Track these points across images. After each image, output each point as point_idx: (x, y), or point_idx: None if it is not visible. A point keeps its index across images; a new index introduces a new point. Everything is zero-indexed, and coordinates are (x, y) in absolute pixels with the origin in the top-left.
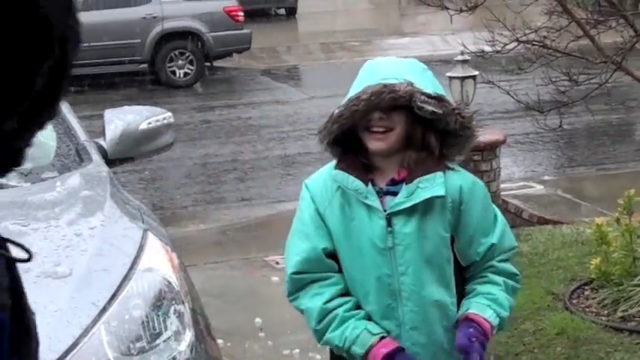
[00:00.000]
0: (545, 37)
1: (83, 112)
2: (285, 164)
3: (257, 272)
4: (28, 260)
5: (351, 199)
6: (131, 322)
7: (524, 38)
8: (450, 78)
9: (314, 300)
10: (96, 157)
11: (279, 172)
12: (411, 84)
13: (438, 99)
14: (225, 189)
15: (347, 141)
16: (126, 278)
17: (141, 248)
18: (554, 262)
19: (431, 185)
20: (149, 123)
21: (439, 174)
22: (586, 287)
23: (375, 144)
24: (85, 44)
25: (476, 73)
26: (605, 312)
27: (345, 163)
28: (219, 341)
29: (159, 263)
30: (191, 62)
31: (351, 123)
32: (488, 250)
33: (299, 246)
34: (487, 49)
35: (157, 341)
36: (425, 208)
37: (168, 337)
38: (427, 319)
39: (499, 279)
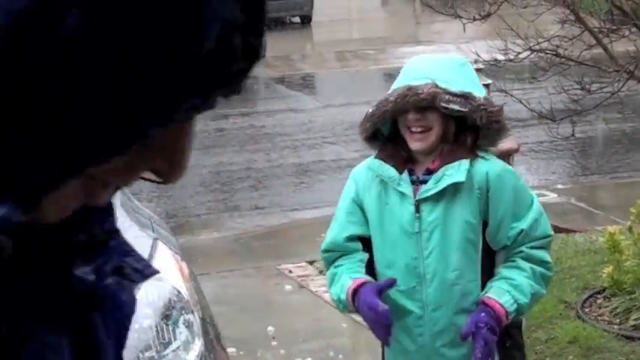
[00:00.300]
0: (558, 46)
1: None
2: (299, 172)
3: (270, 281)
4: None
5: (387, 186)
6: (140, 331)
7: (538, 47)
8: None
9: (331, 268)
10: None
11: (293, 180)
12: (435, 85)
13: (465, 96)
14: (239, 197)
15: (391, 129)
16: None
17: (150, 257)
18: (567, 271)
19: (455, 172)
20: None
21: (464, 161)
22: (598, 296)
23: (415, 144)
24: None
25: (489, 81)
26: (617, 320)
27: (385, 153)
28: (232, 350)
29: (168, 273)
30: None
31: (382, 123)
32: (518, 235)
33: (331, 229)
34: (500, 57)
35: (166, 351)
36: (452, 194)
37: (178, 347)
38: (449, 301)
39: (526, 265)
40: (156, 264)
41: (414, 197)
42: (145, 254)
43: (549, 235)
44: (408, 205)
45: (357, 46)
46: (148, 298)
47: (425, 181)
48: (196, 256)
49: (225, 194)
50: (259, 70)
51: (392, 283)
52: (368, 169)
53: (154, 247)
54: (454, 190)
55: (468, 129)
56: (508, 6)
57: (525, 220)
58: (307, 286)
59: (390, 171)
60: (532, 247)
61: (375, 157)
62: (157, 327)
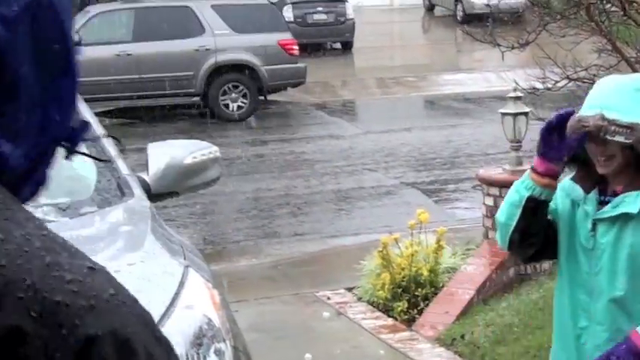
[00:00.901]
0: (595, 75)
1: (134, 144)
2: (339, 199)
3: (308, 308)
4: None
5: (579, 202)
6: None
7: (575, 76)
8: (503, 114)
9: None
10: (137, 191)
11: (333, 207)
12: (602, 117)
13: (631, 127)
14: (278, 223)
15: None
16: (165, 316)
17: (181, 285)
18: None
19: (631, 202)
20: (194, 157)
21: None
22: None
23: (600, 169)
24: (137, 76)
25: (528, 110)
26: None
27: (578, 175)
28: None
29: (199, 300)
30: (245, 96)
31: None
32: None
33: None
34: (539, 86)
35: None
36: (625, 221)
37: None
38: (611, 319)
39: None
40: (187, 292)
41: (594, 216)
42: (175, 282)
43: None
44: (587, 222)
45: (398, 73)
46: (178, 326)
47: (608, 202)
48: (234, 283)
49: (263, 220)
50: (300, 96)
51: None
52: (561, 190)
53: (185, 275)
54: (627, 218)
55: None
56: (546, 35)
57: None
58: (345, 313)
59: (577, 192)
60: None
61: (570, 179)
62: (187, 355)
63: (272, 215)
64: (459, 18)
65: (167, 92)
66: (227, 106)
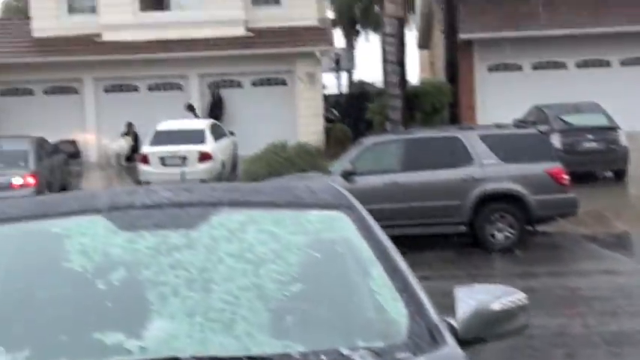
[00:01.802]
0: None
1: None
2: (620, 342)
3: None
4: None
5: None
6: None
7: None
8: None
9: None
10: (450, 339)
11: (614, 350)
12: None
13: None
14: None
15: None
16: None
17: None
18: None
19: None
20: (502, 303)
21: None
22: None
23: None
24: (405, 204)
25: None
26: None
27: None
28: None
29: None
30: (511, 225)
31: None
32: None
33: None
34: None
35: None
36: None
37: None
38: None
39: None
40: None
41: None
42: None
43: None
44: None
45: None
46: None
47: None
48: None
49: None
50: (570, 227)
51: None
52: None
53: None
54: None
55: None
56: None
57: None
58: None
59: None
60: None
61: None
62: None
63: (547, 356)
64: None
65: (434, 221)
66: (493, 235)
